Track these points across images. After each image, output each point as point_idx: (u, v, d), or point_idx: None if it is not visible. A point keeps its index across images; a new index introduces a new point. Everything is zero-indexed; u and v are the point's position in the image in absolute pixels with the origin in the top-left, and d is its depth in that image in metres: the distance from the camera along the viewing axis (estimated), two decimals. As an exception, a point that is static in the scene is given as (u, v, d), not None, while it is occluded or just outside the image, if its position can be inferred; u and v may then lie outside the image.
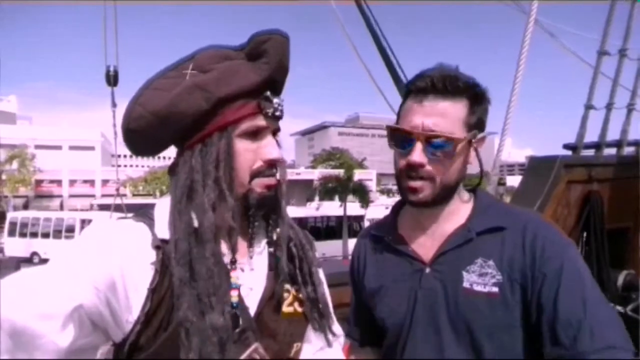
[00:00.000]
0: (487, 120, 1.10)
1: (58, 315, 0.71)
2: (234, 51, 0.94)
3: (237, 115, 0.89)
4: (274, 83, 0.93)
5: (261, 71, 0.91)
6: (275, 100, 0.92)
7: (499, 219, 1.07)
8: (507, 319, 0.99)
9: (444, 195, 1.08)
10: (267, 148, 0.92)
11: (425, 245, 1.12)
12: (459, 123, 1.02)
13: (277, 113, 0.93)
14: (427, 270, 1.08)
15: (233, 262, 0.90)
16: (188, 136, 0.91)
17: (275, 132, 0.95)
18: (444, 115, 1.01)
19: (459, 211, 1.12)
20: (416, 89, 1.04)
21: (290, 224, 1.02)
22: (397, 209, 1.26)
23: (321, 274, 1.08)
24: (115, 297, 0.79)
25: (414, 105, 1.05)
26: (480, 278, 1.01)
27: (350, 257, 1.34)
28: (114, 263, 0.80)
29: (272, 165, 0.92)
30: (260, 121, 0.91)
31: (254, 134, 0.91)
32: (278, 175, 0.94)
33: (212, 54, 0.93)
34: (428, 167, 1.03)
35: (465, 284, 1.02)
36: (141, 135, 0.90)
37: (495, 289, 0.99)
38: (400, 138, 1.06)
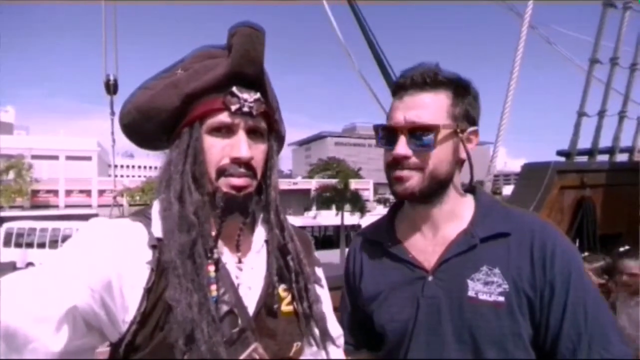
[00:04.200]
0: (479, 116, 1.10)
1: (52, 319, 0.71)
2: (222, 50, 0.94)
3: (202, 110, 0.89)
4: (243, 77, 0.89)
5: (225, 65, 0.89)
6: (244, 95, 0.89)
7: (504, 224, 1.04)
8: (512, 328, 0.98)
9: (434, 189, 1.05)
10: (234, 145, 0.88)
11: (427, 251, 1.09)
12: (442, 114, 1.03)
13: (245, 109, 0.88)
14: (430, 278, 1.05)
15: (209, 256, 0.87)
16: (171, 131, 0.94)
17: (254, 130, 0.91)
18: (425, 107, 1.02)
19: (457, 211, 1.10)
20: (397, 87, 1.07)
21: (290, 235, 1.00)
22: (393, 210, 1.24)
23: (320, 273, 1.08)
24: (110, 297, 0.78)
25: (395, 102, 1.07)
26: (486, 287, 0.99)
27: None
28: (109, 263, 0.79)
29: (238, 163, 0.88)
30: (225, 117, 0.88)
31: (223, 131, 0.89)
32: (250, 177, 0.90)
33: (198, 54, 0.96)
34: (414, 159, 1.03)
35: (471, 293, 1.00)
36: (131, 130, 0.96)
37: (501, 299, 0.98)
38: (386, 135, 1.07)
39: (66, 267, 0.77)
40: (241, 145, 0.88)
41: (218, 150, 0.89)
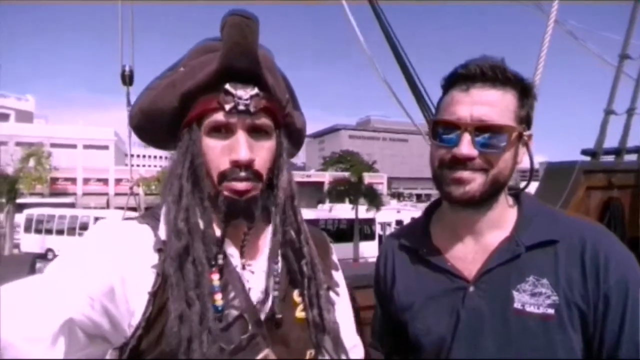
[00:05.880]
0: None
1: (44, 337, 0.69)
2: (220, 42, 0.86)
3: (198, 110, 0.85)
4: (237, 71, 0.83)
5: (216, 60, 0.83)
6: (238, 92, 0.82)
7: (551, 231, 0.97)
8: (563, 343, 0.90)
9: (492, 194, 0.97)
10: (233, 147, 0.83)
11: (466, 259, 1.02)
12: (509, 114, 0.95)
13: (240, 107, 0.82)
14: (471, 288, 0.98)
15: (212, 264, 0.83)
16: (177, 132, 0.90)
17: (255, 128, 0.85)
18: (494, 105, 0.94)
19: (501, 219, 1.02)
20: (463, 77, 0.97)
21: (306, 239, 0.95)
22: (428, 213, 1.16)
23: (339, 277, 1.05)
24: (113, 303, 0.77)
25: (459, 94, 0.97)
26: (533, 298, 0.92)
27: (360, 260, 1.28)
28: (112, 268, 0.77)
29: (238, 166, 0.83)
30: (221, 117, 0.83)
31: (223, 131, 0.84)
32: (254, 181, 0.84)
33: (198, 48, 0.91)
34: (479, 160, 0.94)
35: (517, 305, 0.93)
36: (140, 132, 0.95)
37: (550, 311, 0.91)
38: (444, 131, 0.97)
39: (65, 277, 0.75)
40: (240, 147, 0.82)
41: (218, 153, 0.84)
